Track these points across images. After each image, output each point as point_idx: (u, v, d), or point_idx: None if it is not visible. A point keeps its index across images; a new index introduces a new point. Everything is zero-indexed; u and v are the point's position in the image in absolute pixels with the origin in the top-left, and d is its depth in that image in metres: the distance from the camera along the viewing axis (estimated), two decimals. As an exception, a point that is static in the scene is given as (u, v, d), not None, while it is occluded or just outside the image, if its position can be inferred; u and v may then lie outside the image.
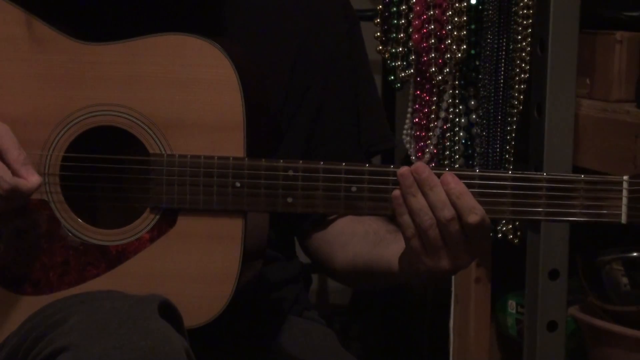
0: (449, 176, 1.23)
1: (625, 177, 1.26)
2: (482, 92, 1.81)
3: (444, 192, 1.23)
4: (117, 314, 1.16)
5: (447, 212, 1.22)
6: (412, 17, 1.83)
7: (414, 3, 1.82)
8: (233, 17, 1.42)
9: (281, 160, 1.28)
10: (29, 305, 1.29)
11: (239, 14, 1.43)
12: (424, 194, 1.23)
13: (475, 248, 1.25)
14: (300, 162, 1.28)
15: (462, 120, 1.85)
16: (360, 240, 1.42)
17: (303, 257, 1.56)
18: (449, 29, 1.80)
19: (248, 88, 1.29)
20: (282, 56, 1.44)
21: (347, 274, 1.45)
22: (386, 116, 1.59)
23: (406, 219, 1.24)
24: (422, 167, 1.23)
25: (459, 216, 1.22)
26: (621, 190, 1.26)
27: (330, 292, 2.80)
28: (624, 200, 1.25)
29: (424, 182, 1.23)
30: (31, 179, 1.25)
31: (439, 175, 1.23)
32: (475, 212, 1.22)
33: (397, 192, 1.24)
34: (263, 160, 1.28)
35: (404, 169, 1.24)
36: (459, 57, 1.80)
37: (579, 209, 1.26)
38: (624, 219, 1.26)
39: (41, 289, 1.31)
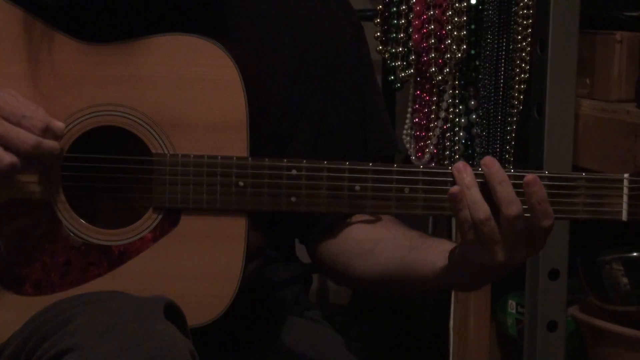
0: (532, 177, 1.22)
1: (625, 175, 1.26)
2: (482, 92, 1.81)
3: (511, 187, 1.21)
4: (123, 316, 1.17)
5: (515, 208, 1.21)
6: (412, 17, 1.83)
7: (414, 3, 1.82)
8: (235, 22, 1.41)
9: (285, 160, 1.28)
10: (30, 306, 1.29)
11: (241, 19, 1.42)
12: (492, 189, 1.22)
13: (535, 244, 1.24)
14: (304, 161, 1.28)
15: (462, 120, 1.85)
16: (389, 244, 1.39)
17: (303, 258, 1.56)
18: (449, 29, 1.79)
19: (250, 87, 1.29)
20: (283, 63, 1.43)
21: (375, 280, 1.41)
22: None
23: (464, 213, 1.22)
24: (491, 161, 1.22)
25: (531, 217, 1.21)
26: (622, 188, 1.26)
27: (330, 292, 2.80)
28: (625, 198, 1.26)
29: (493, 176, 1.22)
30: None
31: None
32: (549, 217, 1.22)
33: (455, 188, 1.22)
34: (267, 159, 1.28)
35: (460, 164, 1.23)
36: (459, 57, 1.80)
37: (580, 206, 1.26)
38: (624, 217, 1.26)
39: (43, 290, 1.31)
